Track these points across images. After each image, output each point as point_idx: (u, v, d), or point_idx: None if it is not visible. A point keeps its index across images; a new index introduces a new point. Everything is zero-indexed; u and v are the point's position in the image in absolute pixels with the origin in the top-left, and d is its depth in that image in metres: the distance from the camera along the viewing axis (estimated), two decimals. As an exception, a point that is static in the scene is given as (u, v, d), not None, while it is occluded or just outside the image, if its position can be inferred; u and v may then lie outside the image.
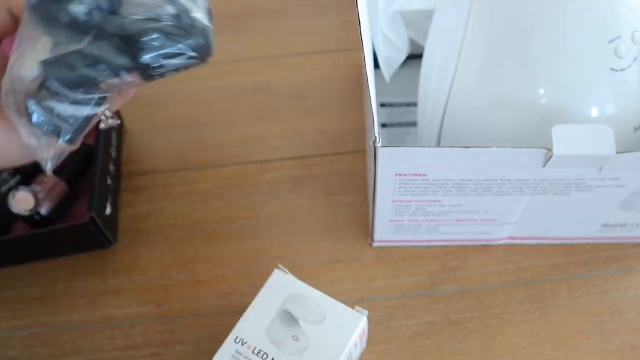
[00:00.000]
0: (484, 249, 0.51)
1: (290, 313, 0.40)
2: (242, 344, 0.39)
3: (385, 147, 0.38)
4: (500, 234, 0.49)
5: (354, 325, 0.40)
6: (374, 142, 0.37)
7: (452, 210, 0.45)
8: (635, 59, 0.40)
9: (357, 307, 0.40)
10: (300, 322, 0.39)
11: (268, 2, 0.64)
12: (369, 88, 0.39)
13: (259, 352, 0.39)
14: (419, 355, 0.45)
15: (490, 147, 0.38)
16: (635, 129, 0.42)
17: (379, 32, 0.48)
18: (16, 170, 0.52)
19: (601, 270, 0.49)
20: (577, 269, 0.49)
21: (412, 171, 0.41)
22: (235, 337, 0.39)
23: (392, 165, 0.40)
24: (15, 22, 0.33)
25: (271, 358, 0.38)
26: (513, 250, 0.50)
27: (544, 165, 0.39)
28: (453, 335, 0.46)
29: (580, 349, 0.45)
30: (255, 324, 0.40)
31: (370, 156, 0.41)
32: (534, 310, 0.47)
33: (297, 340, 0.39)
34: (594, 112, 0.40)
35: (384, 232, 0.49)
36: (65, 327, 0.48)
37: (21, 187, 0.50)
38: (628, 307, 0.47)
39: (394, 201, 0.44)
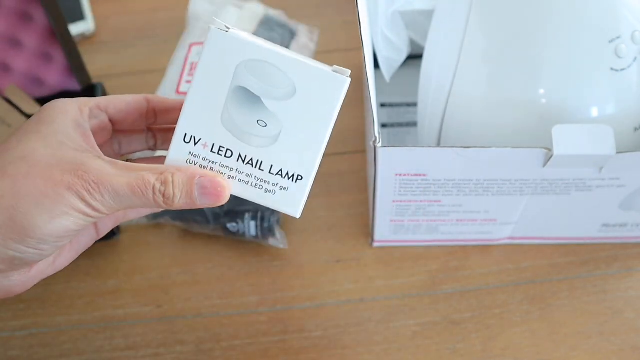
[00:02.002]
0: (484, 249, 0.51)
1: (246, 89, 0.30)
2: (195, 143, 0.31)
3: (385, 147, 0.38)
4: (500, 234, 0.49)
5: (335, 93, 0.30)
6: (374, 142, 0.37)
7: (452, 210, 0.45)
8: (635, 58, 0.40)
9: (334, 66, 0.30)
10: (264, 100, 0.30)
11: (268, 2, 0.64)
12: (369, 88, 0.39)
13: (219, 150, 0.31)
14: (419, 355, 0.45)
15: (490, 147, 0.38)
16: (635, 129, 0.42)
17: (379, 32, 0.48)
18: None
19: (601, 270, 0.49)
20: (577, 269, 0.49)
21: (412, 171, 0.41)
22: (183, 136, 0.31)
23: (392, 165, 0.40)
24: (152, 110, 0.34)
25: (237, 154, 0.31)
26: (513, 250, 0.50)
27: (544, 165, 0.39)
28: (453, 335, 0.46)
29: (580, 348, 0.45)
30: (203, 113, 0.30)
31: (370, 156, 0.41)
32: (534, 310, 0.47)
33: (265, 125, 0.30)
34: (594, 112, 0.40)
35: (384, 232, 0.49)
36: (65, 327, 0.48)
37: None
38: (628, 307, 0.47)
39: (394, 201, 0.44)
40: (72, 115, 0.29)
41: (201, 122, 0.30)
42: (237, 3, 0.63)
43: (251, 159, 0.31)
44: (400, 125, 0.58)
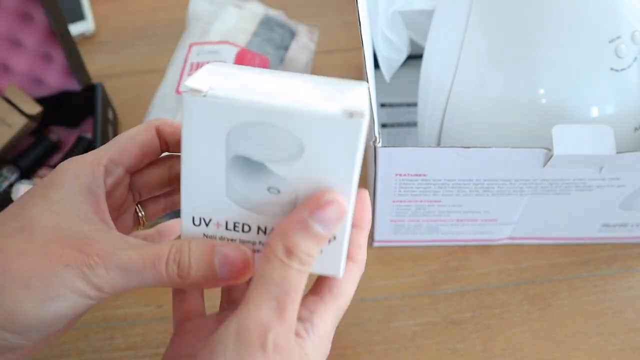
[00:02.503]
0: (484, 249, 0.51)
1: (246, 158, 0.25)
2: (206, 224, 0.27)
3: (385, 147, 0.38)
4: (500, 234, 0.49)
5: (352, 138, 0.24)
6: (374, 142, 0.37)
7: (452, 210, 0.45)
8: (635, 58, 0.40)
9: (347, 107, 0.24)
10: (268, 166, 0.26)
11: (268, 2, 0.64)
12: (368, 88, 0.39)
13: (235, 226, 0.27)
14: (419, 355, 0.45)
15: (490, 147, 0.38)
16: (635, 129, 0.42)
17: (379, 32, 0.48)
18: (15, 166, 0.52)
19: (601, 270, 0.49)
20: (577, 268, 0.49)
21: (412, 171, 0.41)
22: (190, 219, 0.27)
23: (392, 165, 0.40)
24: (164, 143, 0.30)
25: (255, 227, 0.27)
26: (513, 250, 0.50)
27: (544, 165, 0.39)
28: (453, 335, 0.46)
29: (580, 348, 0.45)
30: (204, 191, 0.26)
31: (370, 156, 0.41)
32: (534, 310, 0.47)
33: (278, 192, 0.26)
34: (594, 112, 0.40)
35: (384, 232, 0.49)
36: (65, 327, 0.48)
37: (23, 181, 0.50)
38: (628, 307, 0.47)
39: (394, 201, 0.44)
40: (84, 180, 0.27)
41: (205, 201, 0.26)
42: (237, 3, 0.63)
43: (272, 229, 0.27)
44: (400, 125, 0.58)
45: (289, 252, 0.25)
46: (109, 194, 0.29)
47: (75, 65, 0.57)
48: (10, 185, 0.50)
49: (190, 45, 0.58)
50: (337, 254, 0.28)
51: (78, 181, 0.26)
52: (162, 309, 0.49)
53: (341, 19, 0.68)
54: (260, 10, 0.62)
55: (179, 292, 0.32)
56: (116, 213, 0.31)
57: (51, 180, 0.26)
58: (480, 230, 0.48)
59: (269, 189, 0.26)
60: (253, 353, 0.23)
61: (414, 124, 0.57)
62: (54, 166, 0.52)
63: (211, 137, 0.25)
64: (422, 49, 0.48)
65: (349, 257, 0.30)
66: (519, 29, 0.40)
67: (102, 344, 0.47)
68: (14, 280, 0.23)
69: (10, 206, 0.26)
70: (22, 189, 0.49)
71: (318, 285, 0.29)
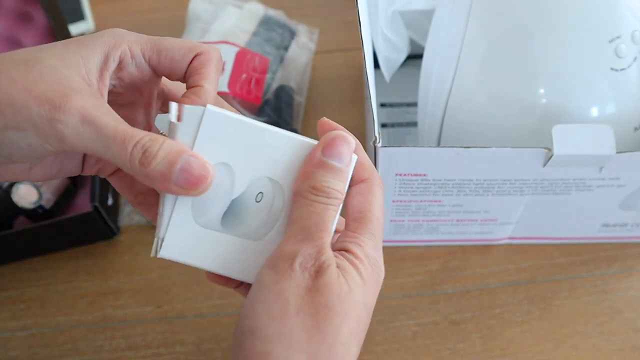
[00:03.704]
0: (484, 249, 0.51)
1: (224, 215, 0.29)
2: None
3: (385, 147, 0.38)
4: (501, 234, 0.49)
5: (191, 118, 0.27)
6: (374, 142, 0.37)
7: (452, 210, 0.45)
8: (635, 58, 0.40)
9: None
10: (234, 198, 0.29)
11: (268, 2, 0.64)
12: (369, 88, 0.39)
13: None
14: (419, 355, 0.45)
15: (490, 147, 0.38)
16: (635, 129, 0.42)
17: (379, 32, 0.48)
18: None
19: (601, 270, 0.49)
20: (578, 268, 0.49)
21: (412, 171, 0.41)
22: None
23: (392, 165, 0.40)
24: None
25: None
26: (513, 250, 0.50)
27: (544, 165, 0.39)
28: (453, 335, 0.46)
29: (580, 348, 0.45)
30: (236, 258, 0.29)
31: (370, 156, 0.41)
32: (534, 310, 0.47)
33: (262, 195, 0.29)
34: (594, 112, 0.40)
35: (384, 232, 0.49)
36: (65, 327, 0.48)
37: (23, 181, 0.50)
38: (628, 307, 0.47)
39: (394, 201, 0.44)
40: (106, 51, 0.27)
41: (259, 263, 0.28)
42: (236, 3, 0.63)
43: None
44: (400, 125, 0.58)
45: (314, 188, 0.27)
46: (128, 78, 0.29)
47: (75, 65, 0.57)
48: (11, 185, 0.50)
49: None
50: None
51: (102, 48, 0.27)
52: (162, 309, 0.49)
53: (341, 19, 0.68)
54: (260, 10, 0.62)
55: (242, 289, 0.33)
56: (132, 96, 0.31)
57: (84, 37, 0.28)
58: (480, 230, 0.48)
59: (257, 201, 0.29)
60: (281, 275, 0.26)
61: (414, 124, 0.57)
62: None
63: (202, 241, 0.29)
64: (422, 49, 0.48)
65: (357, 180, 0.30)
66: (519, 28, 0.40)
67: (102, 344, 0.47)
68: None
69: (35, 47, 0.27)
70: (22, 188, 0.49)
71: (345, 219, 0.30)
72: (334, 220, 0.27)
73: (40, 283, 0.51)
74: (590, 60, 0.39)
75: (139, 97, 0.32)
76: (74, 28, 0.69)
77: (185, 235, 0.28)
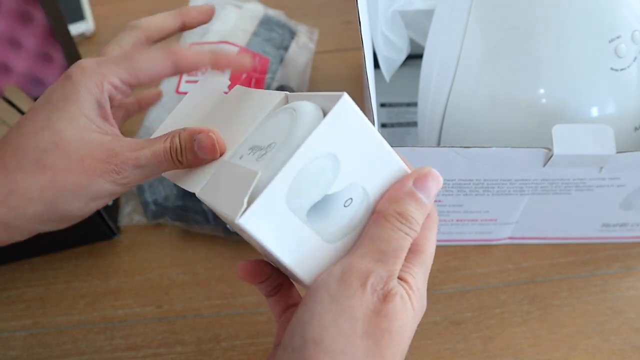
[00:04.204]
0: (484, 249, 0.51)
1: (313, 206, 0.28)
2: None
3: (385, 147, 0.38)
4: (501, 234, 0.49)
5: (347, 112, 0.27)
6: (374, 142, 0.37)
7: (452, 210, 0.45)
8: (635, 58, 0.40)
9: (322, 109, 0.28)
10: (329, 192, 0.28)
11: (268, 2, 0.64)
12: (369, 88, 0.39)
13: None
14: (419, 355, 0.45)
15: (490, 147, 0.38)
16: (635, 129, 0.42)
17: (379, 32, 0.48)
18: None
19: (601, 269, 0.49)
20: (578, 268, 0.49)
21: (412, 171, 0.41)
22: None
23: (392, 165, 0.40)
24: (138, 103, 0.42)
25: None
26: (513, 250, 0.50)
27: (544, 165, 0.39)
28: (453, 335, 0.46)
29: (580, 348, 0.45)
30: (314, 259, 0.28)
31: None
32: (534, 310, 0.47)
33: (351, 200, 0.29)
34: (594, 112, 0.40)
35: (384, 232, 0.49)
36: (65, 327, 0.48)
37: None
38: (628, 307, 0.47)
39: (394, 201, 0.44)
40: (94, 93, 0.32)
41: (322, 265, 0.28)
42: (236, 3, 0.63)
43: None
44: (400, 125, 0.58)
45: (402, 215, 0.28)
46: (112, 105, 0.33)
47: (75, 66, 0.57)
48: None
49: (190, 45, 0.58)
50: None
51: (90, 94, 0.31)
52: (162, 309, 0.49)
53: (341, 19, 0.68)
54: (260, 10, 0.62)
55: (273, 294, 0.34)
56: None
57: (67, 92, 0.31)
58: (480, 230, 0.48)
59: (345, 205, 0.28)
60: (353, 292, 0.26)
61: (414, 124, 0.57)
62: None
63: (283, 224, 0.27)
64: (422, 49, 0.48)
65: None
66: (519, 28, 0.40)
67: (102, 344, 0.47)
68: (65, 193, 0.30)
69: (31, 114, 0.31)
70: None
71: None
72: (405, 251, 0.28)
73: (40, 283, 0.51)
74: (590, 60, 0.39)
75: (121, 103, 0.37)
76: (74, 28, 0.69)
77: (272, 211, 0.27)
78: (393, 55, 0.49)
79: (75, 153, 0.30)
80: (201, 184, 0.31)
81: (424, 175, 0.29)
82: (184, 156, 0.32)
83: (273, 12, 0.63)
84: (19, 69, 0.57)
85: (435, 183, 0.29)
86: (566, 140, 0.37)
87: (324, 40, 0.65)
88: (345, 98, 0.27)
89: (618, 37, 0.39)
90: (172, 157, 0.32)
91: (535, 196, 0.43)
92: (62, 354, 0.47)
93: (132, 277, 0.51)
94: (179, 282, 0.50)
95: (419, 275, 0.29)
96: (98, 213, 0.49)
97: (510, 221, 0.47)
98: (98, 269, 0.51)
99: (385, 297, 0.27)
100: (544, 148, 0.37)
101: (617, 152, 0.37)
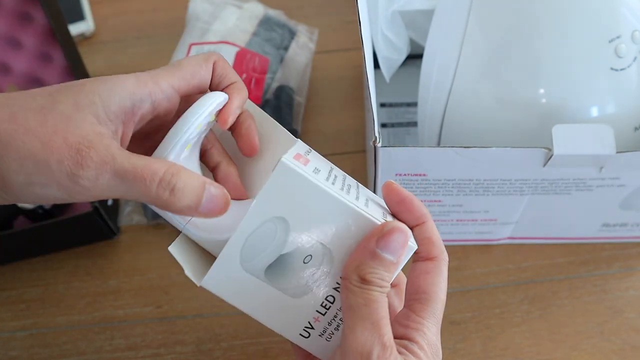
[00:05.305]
0: (484, 249, 0.51)
1: (269, 266, 0.29)
2: (312, 327, 0.31)
3: (385, 147, 0.38)
4: (501, 234, 0.49)
5: (292, 179, 0.27)
6: (374, 142, 0.37)
7: (452, 210, 0.45)
8: (635, 58, 0.40)
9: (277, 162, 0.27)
10: (284, 251, 0.29)
11: (268, 2, 0.64)
12: (369, 88, 0.39)
13: (326, 305, 0.30)
14: (419, 355, 0.45)
15: (490, 147, 0.38)
16: (635, 129, 0.42)
17: (379, 32, 0.48)
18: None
19: (601, 269, 0.49)
20: (578, 268, 0.49)
21: (412, 171, 0.41)
22: (298, 336, 0.31)
23: (392, 165, 0.40)
24: (183, 100, 0.31)
25: (333, 298, 0.30)
26: (513, 250, 0.50)
27: (544, 165, 0.39)
28: (453, 335, 0.46)
29: (580, 348, 0.45)
30: (283, 319, 0.31)
31: (370, 156, 0.41)
32: (534, 310, 0.47)
33: (310, 257, 0.29)
34: (594, 112, 0.40)
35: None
36: (65, 327, 0.48)
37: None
38: (628, 307, 0.47)
39: (394, 201, 0.44)
40: (133, 92, 0.28)
41: (292, 318, 0.30)
42: (236, 3, 0.63)
43: (342, 277, 0.29)
44: (400, 125, 0.58)
45: (364, 280, 0.27)
46: (159, 115, 0.30)
47: (75, 65, 0.57)
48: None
49: (190, 45, 0.58)
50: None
51: (126, 86, 0.27)
52: (162, 310, 0.49)
53: (341, 19, 0.68)
54: (259, 10, 0.62)
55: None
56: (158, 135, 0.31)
57: (107, 77, 0.28)
58: (480, 230, 0.48)
59: (304, 262, 0.29)
60: None
61: (414, 124, 0.57)
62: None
63: (242, 284, 0.29)
64: (422, 49, 0.48)
65: (424, 257, 0.30)
66: (519, 28, 0.40)
67: (102, 344, 0.47)
68: (12, 154, 0.25)
69: (52, 87, 0.27)
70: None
71: (406, 296, 0.31)
72: (386, 305, 0.28)
73: (40, 283, 0.51)
74: (590, 60, 0.39)
75: (167, 120, 0.31)
76: (74, 28, 0.69)
77: (229, 274, 0.28)
78: (393, 55, 0.49)
79: (52, 125, 0.26)
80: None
81: (388, 233, 0.28)
82: (180, 201, 0.27)
83: (273, 12, 0.63)
84: (18, 69, 0.57)
85: (402, 237, 0.28)
86: (566, 140, 0.37)
87: (324, 40, 0.65)
88: (283, 163, 0.27)
89: (618, 37, 0.39)
90: (156, 191, 0.26)
91: (535, 196, 0.43)
92: (62, 354, 0.47)
93: (132, 277, 0.51)
94: (179, 282, 0.50)
95: (431, 328, 0.29)
96: (98, 213, 0.49)
97: (510, 221, 0.47)
98: (98, 269, 0.51)
99: None
100: (544, 148, 0.37)
101: (617, 152, 0.37)
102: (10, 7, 0.54)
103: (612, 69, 0.39)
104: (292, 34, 0.62)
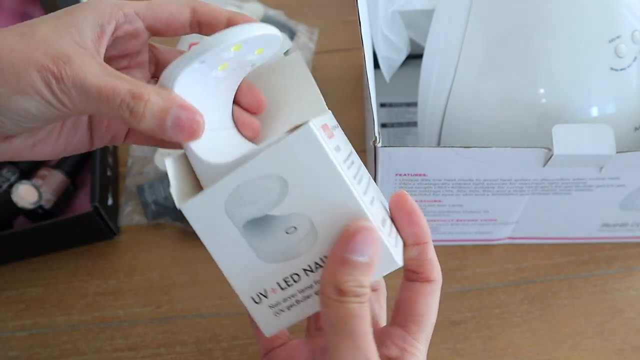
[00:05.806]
0: (484, 249, 0.51)
1: (251, 220, 0.28)
2: (265, 296, 0.30)
3: (385, 147, 0.38)
4: (501, 234, 0.49)
5: (311, 144, 0.26)
6: (374, 142, 0.37)
7: (452, 210, 0.45)
8: (635, 58, 0.40)
9: (293, 127, 0.26)
10: (271, 213, 0.28)
11: (267, 2, 0.64)
12: (369, 88, 0.39)
13: (288, 283, 0.29)
14: (419, 355, 0.45)
15: (490, 147, 0.38)
16: (635, 129, 0.42)
17: (379, 32, 0.48)
18: (15, 166, 0.52)
19: (601, 269, 0.49)
20: (578, 268, 0.49)
21: (412, 171, 0.41)
22: (250, 300, 0.30)
23: (392, 165, 0.40)
24: (196, 23, 0.31)
25: (302, 272, 0.29)
26: (513, 250, 0.50)
27: (544, 165, 0.39)
28: (453, 335, 0.46)
29: (580, 348, 0.45)
30: (243, 270, 0.29)
31: (370, 156, 0.41)
32: (534, 310, 0.47)
33: (295, 228, 0.28)
34: (594, 112, 0.40)
35: (384, 232, 0.49)
36: (65, 327, 0.48)
37: (23, 181, 0.50)
38: (628, 307, 0.47)
39: (394, 201, 0.44)
40: (100, 16, 0.28)
41: (251, 278, 0.29)
42: (236, 3, 0.63)
43: (317, 262, 0.28)
44: (400, 125, 0.58)
45: (340, 291, 0.26)
46: (122, 40, 0.30)
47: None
48: (10, 186, 0.50)
49: (190, 45, 0.58)
50: (385, 249, 0.28)
51: (93, 14, 0.28)
52: (162, 309, 0.49)
53: (341, 19, 0.68)
54: (259, 10, 0.62)
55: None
56: (126, 61, 0.32)
57: (74, 8, 0.28)
58: (480, 230, 0.48)
59: (287, 231, 0.28)
60: None
61: (414, 124, 0.57)
62: (54, 166, 0.52)
63: (218, 225, 0.27)
64: (422, 49, 0.48)
65: (424, 279, 0.31)
66: (519, 28, 0.40)
67: (102, 344, 0.47)
68: None
69: (30, 20, 0.28)
70: (21, 188, 0.49)
71: (400, 314, 0.31)
72: (369, 314, 0.27)
73: (40, 283, 0.51)
74: (590, 60, 0.39)
75: (133, 61, 0.32)
76: (74, 28, 0.69)
77: (210, 210, 0.27)
78: (393, 55, 0.49)
79: (32, 43, 0.26)
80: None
81: (353, 235, 0.27)
82: (143, 123, 0.27)
83: (273, 12, 0.63)
84: (18, 69, 0.57)
85: (368, 234, 0.27)
86: (566, 140, 0.37)
87: (324, 40, 0.65)
88: (309, 128, 0.26)
89: (618, 37, 0.39)
90: (119, 111, 0.26)
91: (535, 196, 0.43)
92: (62, 354, 0.47)
93: (132, 277, 0.51)
94: (179, 282, 0.50)
95: (424, 351, 0.29)
96: (98, 213, 0.49)
97: (510, 221, 0.47)
98: (98, 269, 0.51)
99: None
100: (544, 148, 0.37)
101: (617, 152, 0.37)
102: (10, 7, 0.54)
103: (612, 69, 0.39)
104: (292, 34, 0.62)
